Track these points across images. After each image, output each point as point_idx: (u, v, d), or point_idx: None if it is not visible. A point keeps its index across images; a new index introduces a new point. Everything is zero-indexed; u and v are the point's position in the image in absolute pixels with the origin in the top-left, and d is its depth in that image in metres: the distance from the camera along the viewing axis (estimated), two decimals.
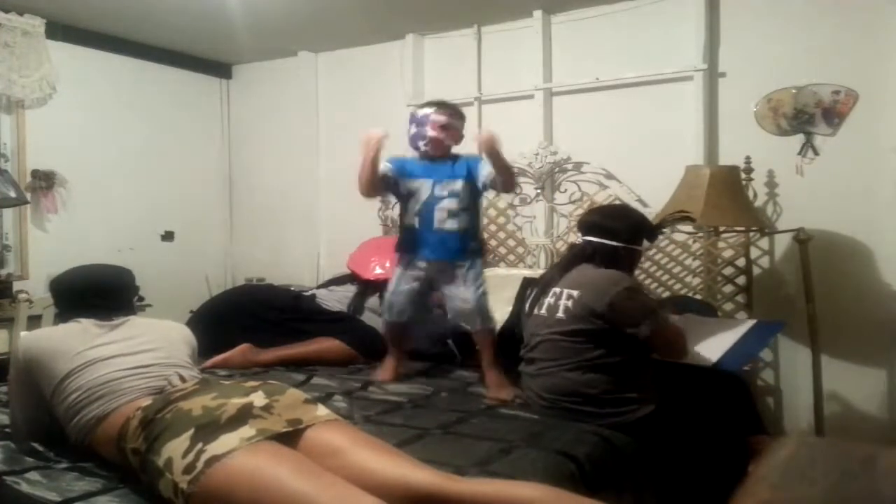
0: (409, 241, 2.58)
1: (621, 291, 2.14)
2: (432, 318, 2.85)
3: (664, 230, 2.98)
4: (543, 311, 2.30)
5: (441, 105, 2.57)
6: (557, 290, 2.28)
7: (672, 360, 2.21)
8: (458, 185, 2.52)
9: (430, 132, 2.51)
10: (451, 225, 2.51)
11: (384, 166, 2.55)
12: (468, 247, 2.56)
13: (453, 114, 2.56)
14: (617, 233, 2.29)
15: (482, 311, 2.55)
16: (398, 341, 2.70)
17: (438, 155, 2.55)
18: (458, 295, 2.53)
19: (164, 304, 3.84)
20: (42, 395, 1.81)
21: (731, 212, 2.85)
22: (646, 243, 2.45)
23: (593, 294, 2.17)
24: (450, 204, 2.51)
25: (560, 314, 2.23)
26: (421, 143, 2.54)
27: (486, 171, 2.51)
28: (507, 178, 2.49)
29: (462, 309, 2.54)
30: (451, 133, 2.55)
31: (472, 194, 2.56)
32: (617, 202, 3.40)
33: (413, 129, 2.57)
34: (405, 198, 2.57)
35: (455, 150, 2.63)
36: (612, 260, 2.28)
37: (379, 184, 2.54)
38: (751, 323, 2.51)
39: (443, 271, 2.55)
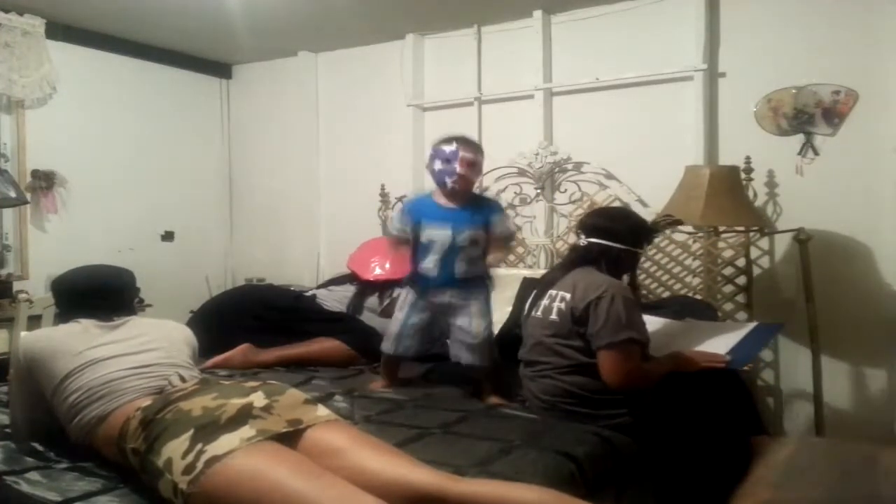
0: (425, 283, 2.52)
1: (605, 296, 2.12)
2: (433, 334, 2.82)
3: (658, 234, 2.98)
4: (539, 312, 2.31)
5: (465, 141, 2.52)
6: (554, 292, 2.28)
7: (615, 389, 2.13)
8: (479, 233, 2.49)
9: (459, 169, 2.46)
10: (472, 271, 2.50)
11: (402, 228, 2.56)
12: (484, 284, 2.55)
13: (477, 150, 2.55)
14: (620, 235, 2.29)
15: (488, 348, 2.51)
16: (394, 370, 2.65)
17: (463, 191, 2.51)
18: (466, 330, 2.49)
19: (164, 304, 3.84)
20: (42, 395, 1.81)
21: (731, 212, 2.85)
22: (646, 246, 2.45)
23: (581, 296, 2.17)
24: (471, 252, 2.48)
25: (553, 316, 2.24)
26: (448, 180, 2.47)
27: (498, 230, 2.53)
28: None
29: (468, 344, 2.49)
30: (476, 169, 2.53)
31: (488, 238, 2.54)
32: (617, 202, 3.41)
33: (439, 165, 2.49)
34: (424, 244, 2.50)
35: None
36: (615, 262, 2.28)
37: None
38: (751, 325, 2.51)
39: (453, 306, 2.51)
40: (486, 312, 2.53)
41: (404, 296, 2.60)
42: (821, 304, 2.91)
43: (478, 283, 2.53)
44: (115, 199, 4.16)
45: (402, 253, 2.61)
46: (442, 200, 2.54)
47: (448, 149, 2.49)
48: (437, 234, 2.47)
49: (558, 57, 3.71)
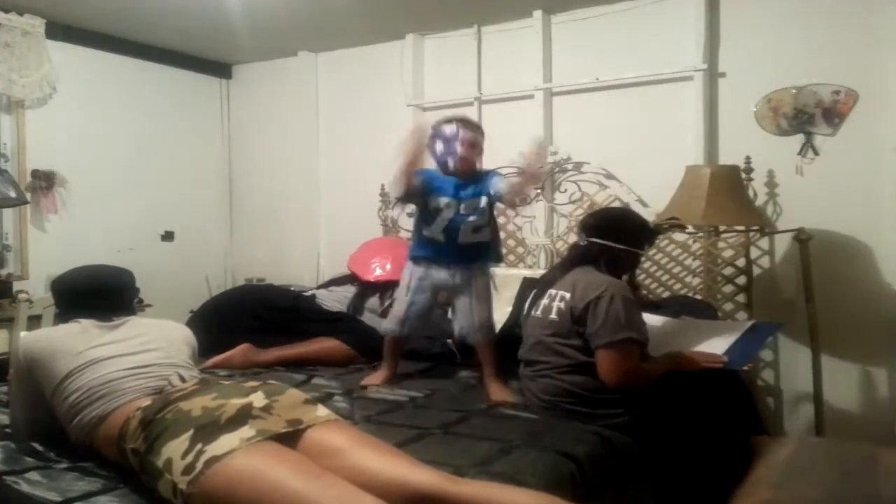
0: (430, 252, 2.55)
1: (604, 296, 2.12)
2: (433, 320, 2.84)
3: (659, 235, 2.99)
4: (539, 312, 2.31)
5: (466, 122, 2.55)
6: (553, 291, 2.28)
7: (614, 389, 2.13)
8: (482, 202, 2.52)
9: (460, 150, 2.49)
10: (476, 239, 2.54)
11: (417, 178, 2.52)
12: (490, 256, 2.60)
13: (478, 130, 2.58)
14: (622, 236, 2.29)
15: (489, 325, 2.56)
16: (397, 353, 2.68)
17: (464, 171, 2.54)
18: (469, 309, 2.53)
19: (164, 304, 3.84)
20: (42, 395, 1.81)
21: (732, 212, 2.85)
22: (646, 247, 2.45)
23: (581, 295, 2.17)
24: (475, 222, 2.52)
25: (553, 316, 2.24)
26: (451, 161, 2.50)
27: (500, 185, 2.51)
28: (520, 199, 2.61)
29: (471, 324, 2.54)
30: (477, 149, 2.56)
31: (492, 208, 2.58)
32: (617, 202, 3.41)
33: (440, 146, 2.51)
34: (430, 213, 2.53)
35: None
36: (615, 263, 2.28)
37: (415, 191, 2.51)
38: (748, 324, 2.51)
39: (456, 285, 2.54)
40: (487, 296, 2.57)
41: (408, 276, 2.61)
42: (821, 304, 2.91)
43: (481, 259, 2.57)
44: (115, 199, 4.16)
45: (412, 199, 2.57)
46: (446, 177, 2.57)
47: (448, 129, 2.51)
48: (444, 203, 2.50)
49: (558, 57, 3.71)
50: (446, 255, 2.53)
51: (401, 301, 2.61)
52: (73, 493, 1.55)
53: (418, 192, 2.51)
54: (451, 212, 2.50)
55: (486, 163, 3.73)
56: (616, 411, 2.15)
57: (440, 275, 2.55)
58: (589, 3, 3.53)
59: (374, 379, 2.63)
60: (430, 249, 2.56)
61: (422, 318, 2.62)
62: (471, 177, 2.57)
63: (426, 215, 2.55)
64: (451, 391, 2.57)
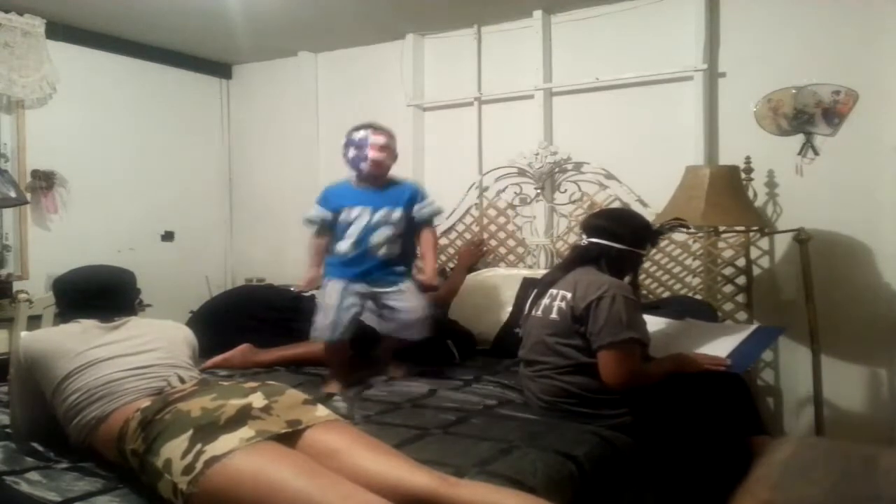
0: (344, 266, 2.58)
1: (606, 296, 2.12)
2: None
3: (662, 235, 2.99)
4: (539, 312, 2.31)
5: (376, 127, 2.63)
6: (554, 291, 2.28)
7: (616, 389, 2.13)
8: (397, 213, 2.58)
9: (371, 154, 2.56)
10: (386, 251, 2.57)
11: (321, 213, 2.62)
12: (399, 271, 2.61)
13: (389, 134, 2.64)
14: (622, 236, 2.29)
15: (426, 321, 2.59)
16: (342, 362, 2.63)
17: (378, 175, 2.61)
18: (401, 309, 2.57)
19: (164, 304, 3.83)
20: (42, 395, 1.81)
21: (732, 212, 2.85)
22: (648, 247, 2.45)
23: (582, 294, 2.17)
24: (387, 231, 2.56)
25: (553, 315, 2.24)
26: (363, 165, 2.59)
27: (425, 210, 2.63)
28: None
29: (405, 321, 2.57)
30: (389, 153, 2.63)
31: (409, 222, 2.62)
32: (617, 202, 3.41)
33: (352, 152, 2.61)
34: (342, 225, 2.59)
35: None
36: (616, 263, 2.28)
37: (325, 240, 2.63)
38: (752, 328, 2.51)
39: (380, 293, 2.58)
40: (417, 290, 2.61)
41: (330, 286, 2.58)
42: (821, 304, 2.91)
43: (401, 266, 2.61)
44: (115, 199, 4.16)
45: (319, 243, 2.64)
46: (360, 186, 2.63)
47: (358, 136, 2.61)
48: (357, 212, 2.56)
49: (558, 57, 3.71)
50: (359, 269, 2.55)
51: (329, 309, 2.54)
52: (73, 493, 1.55)
53: (329, 226, 2.60)
54: (364, 220, 2.54)
55: (487, 163, 3.79)
56: (616, 412, 2.15)
57: (360, 287, 2.56)
58: (589, 3, 3.53)
59: (331, 388, 2.55)
60: (344, 265, 2.57)
61: (353, 323, 2.58)
62: (387, 185, 2.62)
63: (338, 228, 2.58)
64: (451, 391, 2.56)
